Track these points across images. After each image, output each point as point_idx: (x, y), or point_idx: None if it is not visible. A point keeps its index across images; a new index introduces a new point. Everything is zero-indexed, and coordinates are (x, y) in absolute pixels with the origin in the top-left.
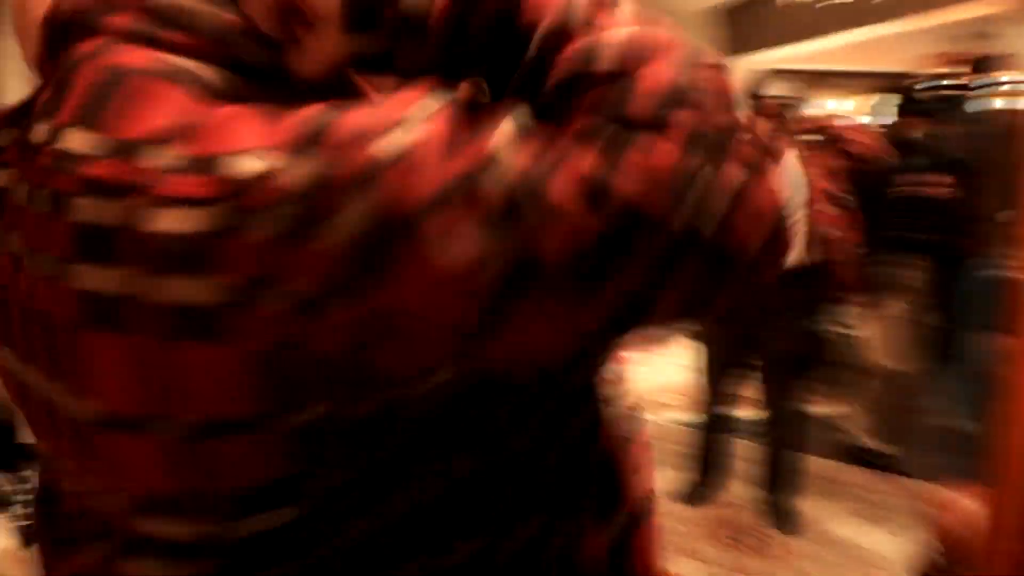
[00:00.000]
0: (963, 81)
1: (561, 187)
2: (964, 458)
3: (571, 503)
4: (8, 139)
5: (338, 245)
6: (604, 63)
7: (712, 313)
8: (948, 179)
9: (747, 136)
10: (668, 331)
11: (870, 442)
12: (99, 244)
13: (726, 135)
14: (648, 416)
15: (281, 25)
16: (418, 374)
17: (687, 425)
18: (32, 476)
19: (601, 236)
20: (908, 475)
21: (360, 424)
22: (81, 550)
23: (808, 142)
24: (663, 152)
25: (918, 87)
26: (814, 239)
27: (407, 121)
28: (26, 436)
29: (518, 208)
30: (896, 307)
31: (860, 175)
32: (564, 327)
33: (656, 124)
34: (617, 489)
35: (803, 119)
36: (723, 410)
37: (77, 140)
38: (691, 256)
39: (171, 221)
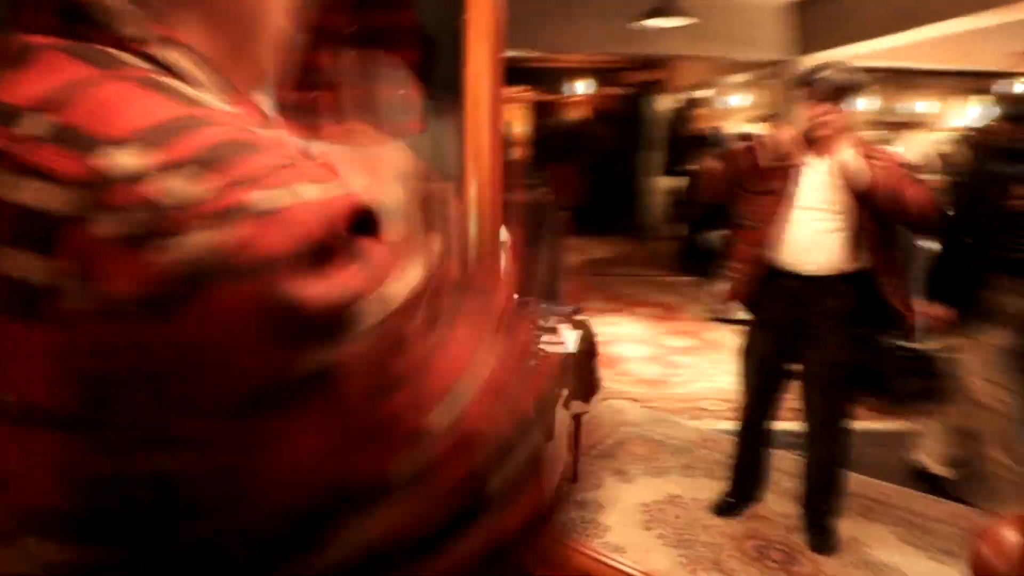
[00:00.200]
0: None
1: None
2: None
3: None
4: None
5: (168, 263)
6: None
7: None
8: None
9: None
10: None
11: (933, 466)
12: None
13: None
14: (690, 422)
15: None
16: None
17: (727, 433)
18: None
19: None
20: (966, 503)
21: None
22: None
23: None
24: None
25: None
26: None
27: (305, 186)
28: None
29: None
30: (999, 334)
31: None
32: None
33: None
34: None
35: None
36: (762, 419)
37: None
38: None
39: (31, 193)
